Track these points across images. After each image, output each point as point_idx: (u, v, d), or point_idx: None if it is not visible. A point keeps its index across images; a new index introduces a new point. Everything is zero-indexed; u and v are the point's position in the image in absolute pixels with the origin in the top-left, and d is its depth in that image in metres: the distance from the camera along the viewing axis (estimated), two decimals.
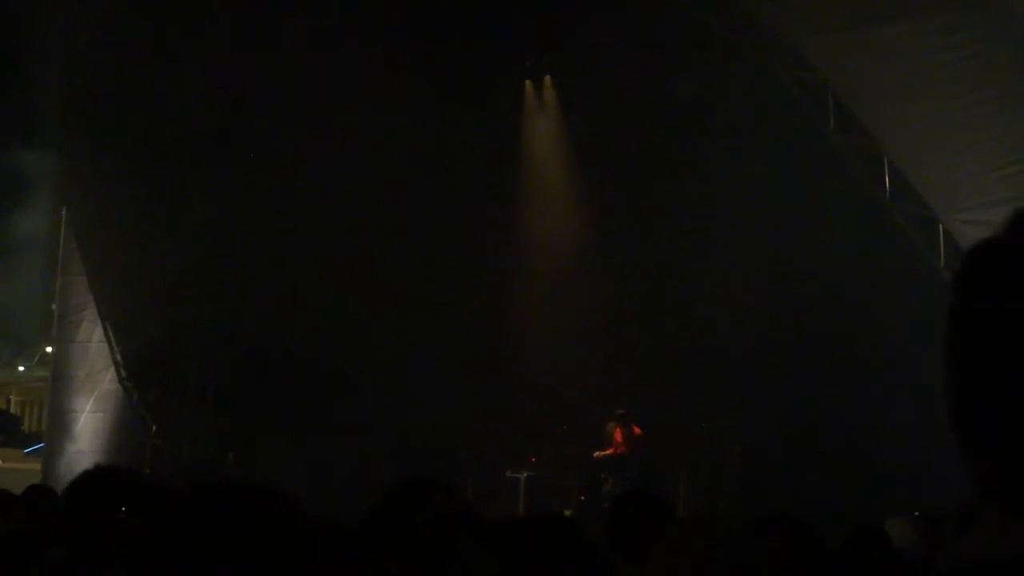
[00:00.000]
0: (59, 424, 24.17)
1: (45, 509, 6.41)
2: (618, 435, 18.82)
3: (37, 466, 24.83)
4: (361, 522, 3.46)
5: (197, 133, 19.05)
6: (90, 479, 4.41)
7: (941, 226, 14.73)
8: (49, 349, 27.46)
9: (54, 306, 24.92)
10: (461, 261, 19.44)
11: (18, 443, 33.07)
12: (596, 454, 18.98)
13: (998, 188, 13.75)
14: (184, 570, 1.99)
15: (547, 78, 22.19)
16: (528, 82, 22.39)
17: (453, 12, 19.17)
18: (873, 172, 15.57)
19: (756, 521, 2.87)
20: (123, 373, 23.07)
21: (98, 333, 23.42)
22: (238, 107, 18.67)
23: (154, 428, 22.19)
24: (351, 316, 19.88)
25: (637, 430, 18.71)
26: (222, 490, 2.14)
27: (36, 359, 34.46)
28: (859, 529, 6.15)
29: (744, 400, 17.50)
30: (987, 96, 13.64)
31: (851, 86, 15.51)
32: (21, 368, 36.36)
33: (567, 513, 15.71)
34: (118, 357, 23.14)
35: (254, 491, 2.13)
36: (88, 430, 23.28)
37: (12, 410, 40.43)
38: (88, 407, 23.57)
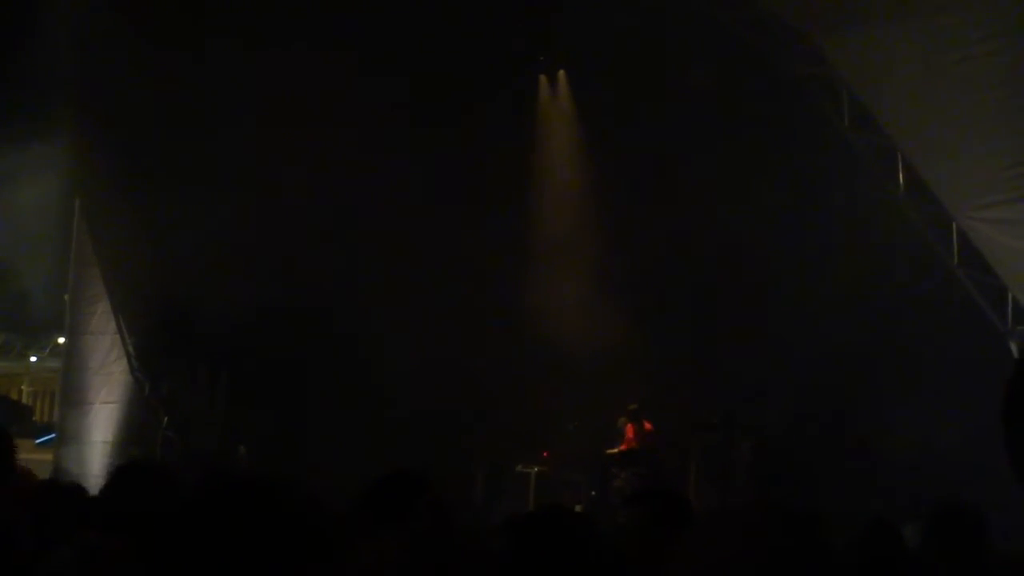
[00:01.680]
0: (71, 415, 24.24)
1: (59, 502, 6.42)
2: (629, 431, 18.83)
3: (48, 456, 24.90)
4: (350, 511, 3.46)
5: (211, 125, 19.03)
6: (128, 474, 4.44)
7: (955, 223, 14.70)
8: (61, 340, 27.54)
9: (66, 297, 24.97)
10: (473, 256, 19.42)
11: (29, 434, 33.15)
12: (608, 451, 18.99)
13: (1012, 186, 13.72)
14: (193, 563, 1.99)
15: (561, 73, 22.18)
16: (542, 77, 22.38)
17: (467, 6, 19.14)
18: (887, 169, 15.54)
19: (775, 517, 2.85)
20: (135, 364, 23.12)
21: (110, 324, 23.47)
22: (253, 98, 18.65)
23: (165, 420, 22.22)
24: (362, 310, 19.88)
25: (648, 425, 18.72)
26: (232, 486, 2.14)
27: (48, 350, 34.57)
28: (872, 527, 6.13)
29: (755, 395, 17.48)
30: (1001, 93, 13.61)
31: (865, 83, 15.47)
32: (33, 359, 36.48)
33: (578, 508, 15.72)
34: (130, 349, 23.19)
35: (263, 487, 2.13)
36: (100, 421, 23.35)
37: (24, 401, 40.53)
38: (100, 398, 23.64)
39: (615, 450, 18.92)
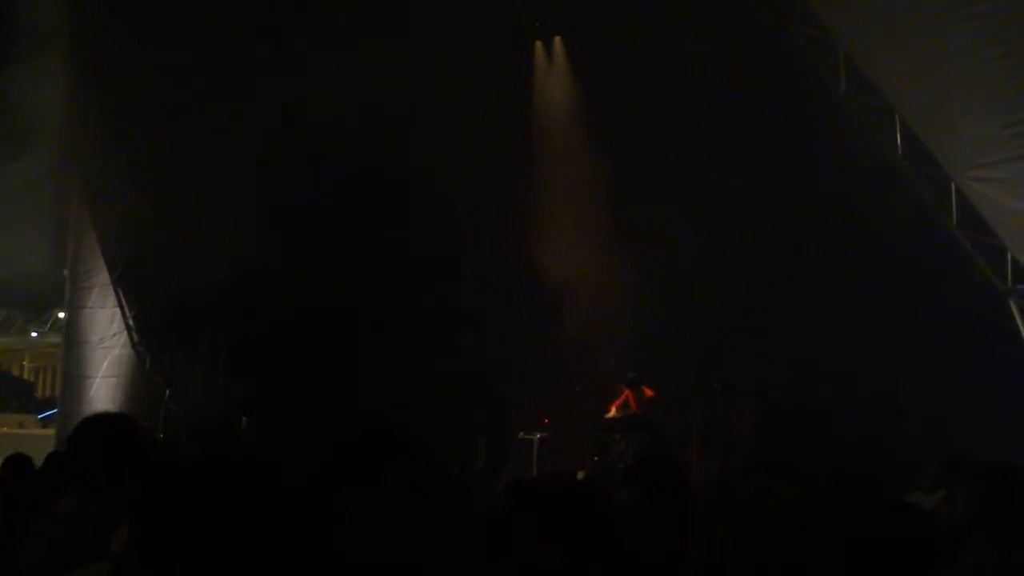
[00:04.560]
0: (72, 390, 24.27)
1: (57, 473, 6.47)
2: (630, 397, 18.87)
3: (51, 432, 24.96)
4: (321, 466, 3.44)
5: (210, 94, 18.98)
6: (90, 426, 4.46)
7: (953, 185, 14.68)
8: (62, 315, 27.56)
9: (66, 272, 24.97)
10: (471, 223, 19.42)
11: (31, 409, 33.21)
12: (606, 416, 19.01)
13: (1010, 146, 13.69)
14: (179, 538, 2.00)
15: (557, 39, 22.10)
16: (538, 43, 22.30)
17: None
18: (884, 131, 15.51)
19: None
20: (135, 338, 23.11)
21: (110, 298, 23.46)
22: (252, 64, 18.57)
23: (167, 393, 22.23)
24: (363, 278, 19.91)
25: (649, 392, 18.75)
26: (223, 464, 2.14)
27: (49, 325, 34.56)
28: (849, 477, 6.13)
29: (757, 360, 17.50)
30: (999, 53, 13.56)
31: (862, 44, 15.43)
32: (34, 334, 36.47)
33: (580, 474, 15.81)
34: (130, 322, 23.17)
35: (252, 467, 2.13)
36: (102, 395, 23.36)
37: (25, 376, 40.57)
38: (101, 372, 23.66)
39: (611, 413, 18.96)
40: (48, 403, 31.93)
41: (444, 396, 19.35)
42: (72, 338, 24.78)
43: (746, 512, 2.84)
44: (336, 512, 3.19)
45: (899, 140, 15.28)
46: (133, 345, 23.18)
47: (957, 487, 6.89)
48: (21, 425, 29.35)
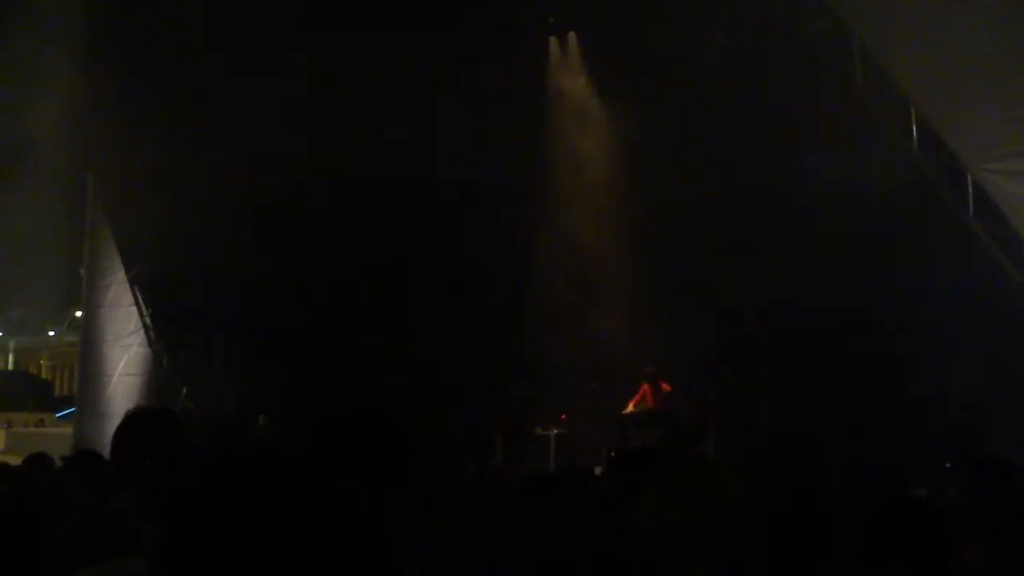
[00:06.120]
0: (90, 388, 24.32)
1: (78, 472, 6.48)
2: (647, 393, 18.83)
3: (68, 430, 25.03)
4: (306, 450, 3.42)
5: (224, 92, 18.99)
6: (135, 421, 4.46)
7: (969, 176, 14.63)
8: (79, 314, 27.64)
9: (83, 271, 25.02)
10: (484, 222, 19.39)
11: (50, 407, 33.35)
12: (623, 411, 18.99)
13: None
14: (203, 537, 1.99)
15: (571, 34, 22.05)
16: (552, 38, 22.25)
17: None
18: (901, 122, 15.46)
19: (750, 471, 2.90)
20: (152, 336, 23.13)
21: (127, 297, 23.49)
22: (265, 61, 18.59)
23: (184, 391, 22.23)
24: (377, 278, 19.91)
25: (666, 387, 18.71)
26: (243, 460, 2.13)
27: (66, 324, 34.71)
28: (871, 473, 6.09)
29: (774, 354, 17.45)
30: (1016, 44, 13.51)
31: (878, 36, 15.38)
32: (51, 333, 36.65)
33: (597, 469, 15.77)
34: (147, 321, 23.18)
35: (280, 463, 2.12)
36: (119, 394, 23.38)
37: (43, 375, 40.76)
38: (119, 371, 23.69)
39: (629, 409, 18.93)
40: (66, 401, 32.05)
41: (460, 392, 19.34)
42: (89, 337, 24.83)
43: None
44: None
45: (915, 131, 15.23)
46: (150, 343, 23.20)
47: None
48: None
